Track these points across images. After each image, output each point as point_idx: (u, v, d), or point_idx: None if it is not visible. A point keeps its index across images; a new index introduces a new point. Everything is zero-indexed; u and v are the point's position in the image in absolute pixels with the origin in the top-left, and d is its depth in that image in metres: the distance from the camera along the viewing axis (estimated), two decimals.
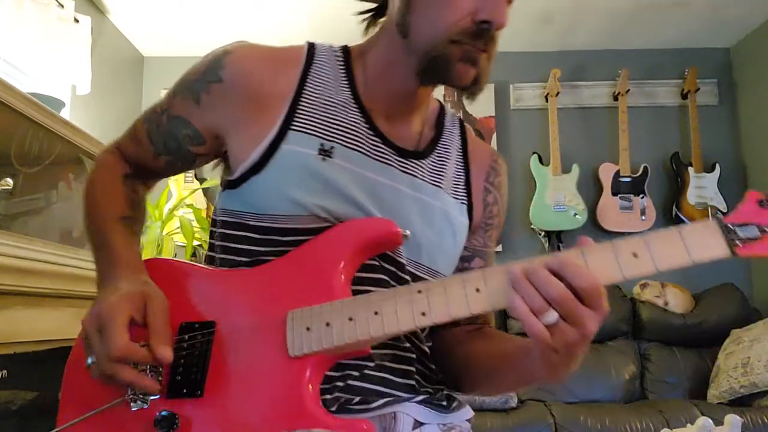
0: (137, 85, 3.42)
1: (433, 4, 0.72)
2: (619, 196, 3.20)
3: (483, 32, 0.71)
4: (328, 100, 0.79)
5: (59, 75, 2.43)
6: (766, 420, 2.29)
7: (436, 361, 0.85)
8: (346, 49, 0.85)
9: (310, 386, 0.66)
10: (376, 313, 0.66)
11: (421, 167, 0.82)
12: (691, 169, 3.22)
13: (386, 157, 0.79)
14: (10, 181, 1.58)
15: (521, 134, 3.42)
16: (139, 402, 0.69)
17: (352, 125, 0.78)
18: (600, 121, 3.43)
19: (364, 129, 0.79)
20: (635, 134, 3.29)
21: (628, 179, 3.22)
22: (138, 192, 0.87)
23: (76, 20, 2.51)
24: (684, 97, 3.37)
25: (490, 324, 0.89)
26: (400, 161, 0.80)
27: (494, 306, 0.63)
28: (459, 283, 0.64)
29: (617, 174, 3.23)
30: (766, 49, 3.19)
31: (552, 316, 0.58)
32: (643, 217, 3.16)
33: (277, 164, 0.74)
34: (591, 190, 3.28)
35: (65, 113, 2.25)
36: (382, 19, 0.83)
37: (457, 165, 0.88)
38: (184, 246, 2.70)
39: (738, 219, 0.61)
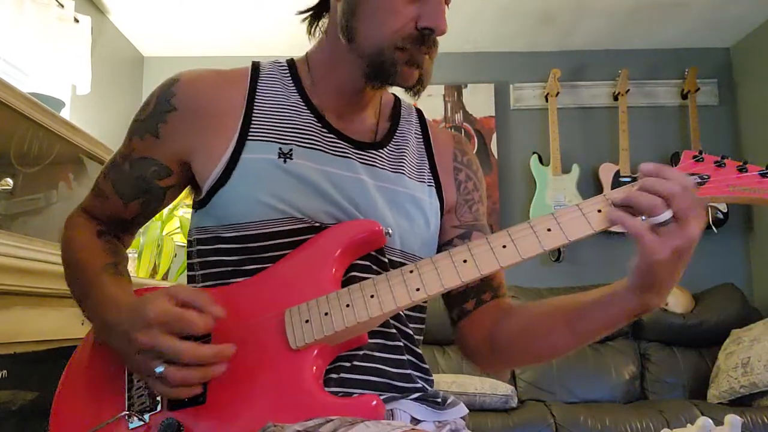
0: (137, 85, 3.42)
1: (378, 11, 0.75)
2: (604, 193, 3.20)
3: (426, 38, 0.76)
4: (279, 107, 0.82)
5: (59, 75, 2.43)
6: (766, 420, 2.29)
7: (476, 348, 0.85)
8: (290, 60, 0.89)
9: (315, 370, 0.68)
10: (372, 296, 0.69)
11: (381, 156, 0.84)
12: None
13: (344, 150, 0.82)
14: (10, 181, 1.58)
15: (521, 134, 3.42)
16: (136, 420, 0.70)
17: (306, 126, 0.81)
18: (600, 121, 3.43)
19: (317, 128, 0.82)
20: (635, 134, 3.29)
21: (628, 179, 3.22)
22: (114, 243, 0.87)
23: (76, 20, 2.51)
24: (684, 97, 3.37)
25: (508, 299, 0.89)
26: (358, 153, 0.82)
27: (481, 272, 0.68)
28: (447, 258, 0.70)
29: (617, 174, 3.23)
30: (766, 49, 3.19)
31: (667, 213, 0.63)
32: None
33: (240, 174, 0.77)
34: (591, 190, 3.28)
35: (65, 113, 2.25)
36: (324, 21, 0.86)
37: (419, 151, 0.90)
38: (184, 246, 2.70)
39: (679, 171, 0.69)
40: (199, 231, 0.82)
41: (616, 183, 3.22)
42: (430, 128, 0.94)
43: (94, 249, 0.84)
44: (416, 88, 0.79)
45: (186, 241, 0.88)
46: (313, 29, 0.88)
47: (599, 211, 0.67)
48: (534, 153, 3.28)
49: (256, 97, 0.82)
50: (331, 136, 0.82)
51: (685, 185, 0.63)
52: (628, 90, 3.33)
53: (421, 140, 0.92)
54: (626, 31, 3.27)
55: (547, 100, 3.36)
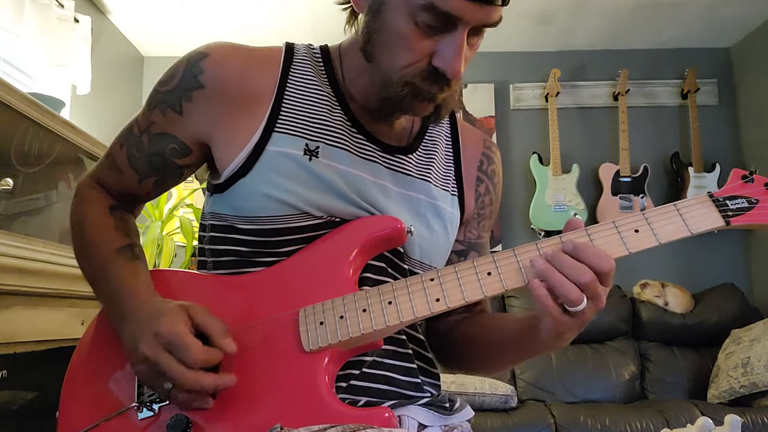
0: (137, 85, 3.42)
1: (391, 43, 0.70)
2: (619, 195, 3.20)
3: (439, 78, 0.70)
4: (311, 99, 0.78)
5: (59, 75, 2.43)
6: (766, 420, 2.29)
7: (434, 345, 0.87)
8: (324, 48, 0.84)
9: (327, 379, 0.66)
10: (389, 302, 0.67)
11: (408, 162, 0.82)
12: (691, 169, 3.22)
13: (371, 154, 0.79)
14: (10, 181, 1.58)
15: (521, 134, 3.42)
16: (145, 410, 0.69)
17: (335, 124, 0.78)
18: (600, 121, 3.43)
19: (347, 127, 0.79)
20: (635, 134, 3.30)
21: (628, 179, 3.22)
22: (127, 220, 0.84)
23: (76, 20, 2.51)
24: (684, 97, 3.38)
25: (487, 310, 0.90)
26: (385, 158, 0.80)
27: (506, 287, 0.66)
28: (470, 268, 0.67)
29: (617, 174, 3.23)
30: (766, 49, 3.19)
31: (584, 303, 0.61)
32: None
33: (262, 166, 0.74)
34: (591, 190, 3.28)
35: (65, 113, 2.25)
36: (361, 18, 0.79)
37: (447, 156, 0.87)
38: (184, 246, 2.70)
39: (727, 193, 0.66)
40: (213, 216, 0.79)
41: (616, 183, 3.22)
42: (460, 130, 0.90)
43: (106, 228, 0.80)
44: (434, 116, 0.76)
45: (191, 234, 0.86)
46: (352, 21, 0.81)
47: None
48: (534, 153, 3.28)
49: (288, 84, 0.78)
50: (360, 137, 0.79)
51: (599, 271, 0.61)
52: (628, 90, 3.33)
53: (450, 144, 0.88)
54: (626, 31, 3.27)
55: (547, 100, 3.36)
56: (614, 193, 3.21)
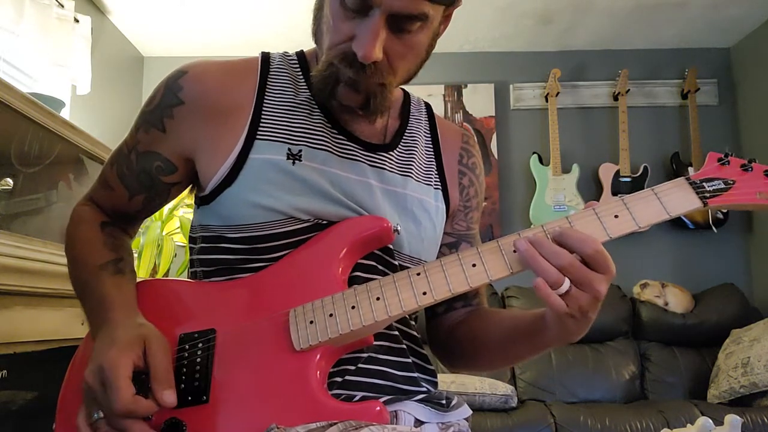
0: (137, 85, 3.42)
1: (325, 23, 0.74)
2: (619, 196, 3.19)
3: (353, 61, 0.71)
4: (290, 104, 0.80)
5: (59, 75, 2.43)
6: (766, 420, 2.29)
7: (437, 346, 0.88)
8: (300, 53, 0.86)
9: (318, 376, 0.67)
10: (378, 298, 0.68)
11: (390, 159, 0.83)
12: (691, 169, 3.22)
13: (353, 153, 0.80)
14: (10, 181, 1.58)
15: (521, 134, 3.42)
16: None
17: (316, 126, 0.79)
18: (600, 121, 3.43)
19: (328, 128, 0.80)
20: (635, 134, 3.30)
21: (628, 179, 3.22)
22: (118, 237, 0.85)
23: (76, 20, 2.51)
24: (684, 97, 3.38)
25: (485, 304, 0.91)
26: (367, 156, 0.81)
27: (491, 278, 0.67)
28: (456, 261, 0.68)
29: (617, 174, 3.23)
30: (766, 49, 3.19)
31: (565, 285, 0.62)
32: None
33: (247, 174, 0.75)
34: (591, 190, 3.28)
35: (65, 113, 2.25)
36: None
37: (427, 151, 0.89)
38: (184, 246, 2.70)
39: (703, 175, 0.68)
40: (202, 228, 0.80)
41: (616, 183, 3.22)
42: (438, 126, 0.92)
43: (95, 244, 0.82)
44: (365, 111, 0.76)
45: (187, 238, 0.87)
46: None
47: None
48: (534, 153, 3.28)
49: (266, 93, 0.80)
50: (341, 137, 0.80)
51: (573, 263, 0.62)
52: (628, 90, 3.33)
53: (430, 140, 0.90)
54: (626, 31, 3.27)
55: (547, 100, 3.36)
56: (614, 193, 3.21)
